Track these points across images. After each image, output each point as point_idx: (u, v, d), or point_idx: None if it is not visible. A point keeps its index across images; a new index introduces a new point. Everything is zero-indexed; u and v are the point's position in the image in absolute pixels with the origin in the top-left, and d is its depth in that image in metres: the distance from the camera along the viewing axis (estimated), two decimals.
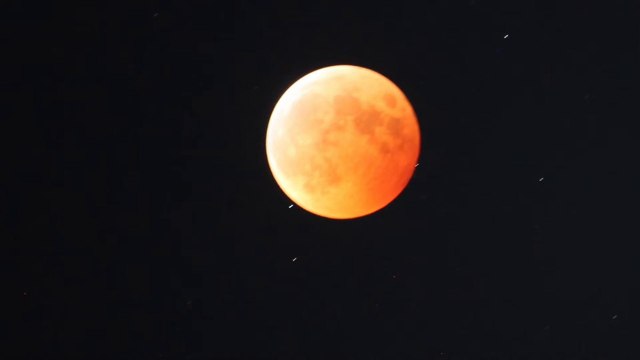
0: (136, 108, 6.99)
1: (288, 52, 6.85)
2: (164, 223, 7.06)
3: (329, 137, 5.87)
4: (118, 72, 6.94)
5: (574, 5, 6.84)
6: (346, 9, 6.93)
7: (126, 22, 6.88)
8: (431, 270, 7.16)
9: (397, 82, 6.44)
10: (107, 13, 6.83)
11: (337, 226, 6.83)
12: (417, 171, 6.39)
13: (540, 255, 7.10)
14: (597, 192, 7.02)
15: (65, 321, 7.05)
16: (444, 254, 7.15)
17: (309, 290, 7.18)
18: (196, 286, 7.11)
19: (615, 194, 7.05)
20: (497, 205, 7.09)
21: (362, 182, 5.96)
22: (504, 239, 7.10)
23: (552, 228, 7.07)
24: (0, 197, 6.87)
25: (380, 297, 7.18)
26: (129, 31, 6.88)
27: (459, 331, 7.15)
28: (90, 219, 7.03)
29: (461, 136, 7.03)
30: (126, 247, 7.06)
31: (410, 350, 7.17)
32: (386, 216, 6.72)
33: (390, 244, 7.13)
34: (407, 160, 6.18)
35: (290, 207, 6.84)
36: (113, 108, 6.98)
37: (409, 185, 6.43)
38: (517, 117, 7.01)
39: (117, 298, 7.08)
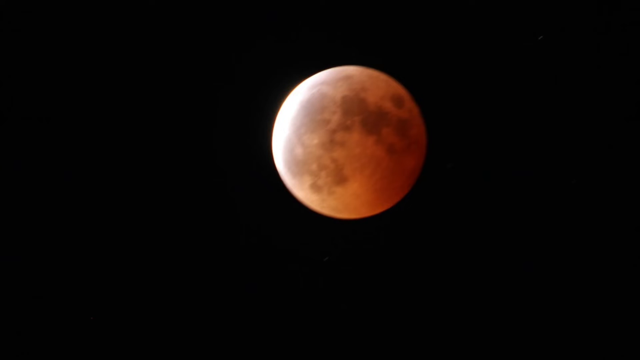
0: (139, 108, 7.01)
1: (296, 52, 6.86)
2: (167, 224, 7.08)
3: (336, 137, 5.88)
4: (121, 70, 6.96)
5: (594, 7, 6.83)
6: (355, 9, 6.93)
7: (129, 19, 6.90)
8: (436, 271, 7.16)
9: (404, 83, 6.45)
10: (106, 11, 6.86)
11: (342, 226, 6.84)
12: (424, 172, 6.40)
13: (555, 261, 7.10)
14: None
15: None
16: (450, 255, 7.15)
17: (312, 290, 7.20)
18: (198, 287, 7.13)
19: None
20: (505, 208, 7.08)
21: (368, 183, 5.97)
22: (512, 243, 7.09)
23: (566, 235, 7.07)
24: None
25: (385, 297, 7.19)
26: (133, 29, 6.90)
27: (466, 333, 7.16)
28: (92, 219, 7.06)
29: (469, 137, 7.03)
30: (128, 249, 7.09)
31: (418, 352, 7.18)
32: (392, 217, 6.73)
33: (396, 244, 7.14)
34: (413, 161, 6.19)
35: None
36: (115, 108, 7.00)
37: (415, 186, 6.44)
38: (527, 118, 7.00)
39: (121, 301, 7.11)
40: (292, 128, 6.14)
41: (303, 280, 7.18)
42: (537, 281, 7.10)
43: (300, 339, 7.19)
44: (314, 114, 6.02)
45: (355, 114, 5.91)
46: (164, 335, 7.16)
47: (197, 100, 6.98)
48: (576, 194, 7.01)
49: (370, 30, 6.93)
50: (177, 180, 7.05)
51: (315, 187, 6.14)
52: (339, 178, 5.97)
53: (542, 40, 6.87)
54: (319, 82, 6.27)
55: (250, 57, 6.93)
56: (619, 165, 6.96)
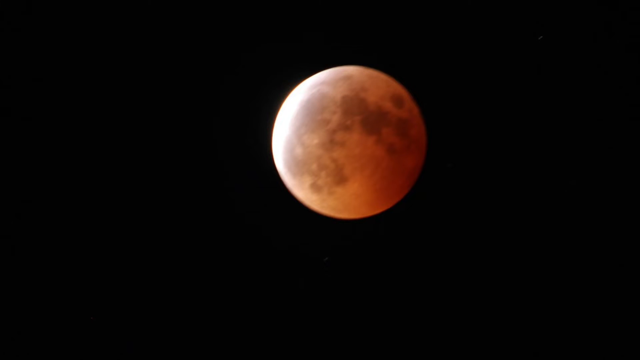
0: (138, 108, 7.00)
1: (296, 52, 6.86)
2: (167, 224, 7.07)
3: (336, 137, 5.88)
4: (122, 70, 6.96)
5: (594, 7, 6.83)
6: (355, 9, 6.92)
7: (128, 17, 6.90)
8: (436, 271, 7.15)
9: (404, 83, 6.45)
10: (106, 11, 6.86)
11: (343, 226, 6.83)
12: (424, 172, 6.39)
13: (555, 262, 7.09)
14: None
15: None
16: (450, 255, 7.14)
17: (314, 290, 7.19)
18: (197, 287, 7.13)
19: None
20: (505, 208, 7.07)
21: (368, 183, 5.96)
22: (512, 243, 7.08)
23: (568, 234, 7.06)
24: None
25: (386, 298, 7.18)
26: (131, 28, 6.89)
27: (469, 334, 7.16)
28: (94, 218, 7.05)
29: (469, 137, 7.02)
30: (127, 249, 7.08)
31: (419, 352, 7.17)
32: (392, 217, 6.72)
33: (396, 244, 7.13)
34: (413, 161, 6.18)
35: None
36: (116, 108, 7.00)
37: (415, 186, 6.43)
38: (527, 118, 6.99)
39: (121, 301, 7.11)
40: (292, 128, 6.13)
41: (303, 280, 7.17)
42: (536, 281, 7.09)
43: (300, 339, 7.18)
44: (314, 114, 6.01)
45: (355, 113, 5.90)
46: (164, 336, 7.15)
47: (197, 101, 6.98)
48: (575, 195, 7.01)
49: (370, 30, 6.93)
50: (177, 180, 7.05)
51: (315, 187, 6.13)
52: (339, 178, 5.96)
53: (542, 41, 6.87)
54: (319, 82, 6.27)
55: (249, 58, 6.92)
56: (619, 167, 6.96)
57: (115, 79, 6.97)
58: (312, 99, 6.11)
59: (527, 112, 6.98)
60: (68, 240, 7.05)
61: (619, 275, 7.02)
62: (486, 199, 7.05)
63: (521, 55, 6.90)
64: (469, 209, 7.06)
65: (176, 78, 6.96)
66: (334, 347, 7.18)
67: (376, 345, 7.19)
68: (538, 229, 7.06)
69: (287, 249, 7.09)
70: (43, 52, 6.89)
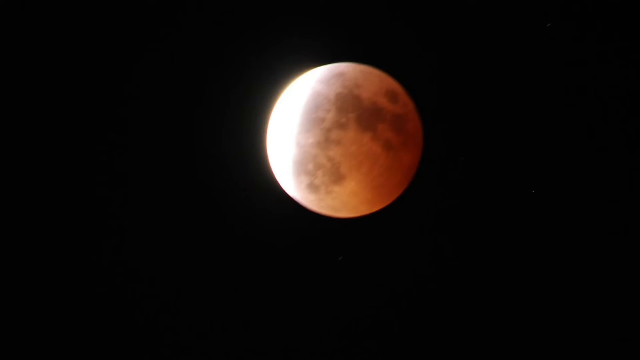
0: (137, 109, 6.99)
1: (288, 50, 6.83)
2: (164, 226, 7.06)
3: (331, 136, 5.86)
4: (118, 71, 6.94)
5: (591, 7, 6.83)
6: (347, 4, 6.91)
7: (124, 19, 6.89)
8: (436, 270, 7.14)
9: (397, 78, 6.42)
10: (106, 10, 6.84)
11: (341, 225, 6.81)
12: (422, 167, 6.37)
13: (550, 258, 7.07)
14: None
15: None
16: (449, 253, 7.12)
17: (314, 290, 7.18)
18: (195, 289, 7.12)
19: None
20: (505, 204, 7.05)
21: (366, 180, 5.94)
22: (512, 240, 7.07)
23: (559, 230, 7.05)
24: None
25: (388, 296, 7.17)
26: (128, 29, 6.88)
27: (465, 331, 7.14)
28: (93, 220, 7.04)
29: (465, 131, 7.00)
30: (126, 248, 7.07)
31: (418, 352, 7.16)
32: (391, 214, 6.69)
33: (396, 241, 7.11)
34: (410, 156, 6.16)
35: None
36: (114, 109, 6.98)
37: (413, 182, 6.40)
38: (523, 112, 6.98)
39: (121, 301, 7.09)
40: (287, 128, 6.12)
41: (303, 281, 7.15)
42: (536, 280, 7.08)
43: (300, 340, 7.17)
44: (308, 112, 6.00)
45: (350, 111, 5.89)
46: (164, 337, 7.15)
47: (190, 102, 6.97)
48: (575, 195, 6.99)
49: (362, 26, 6.90)
50: (172, 183, 7.03)
51: (313, 187, 6.11)
52: (336, 177, 5.94)
53: (537, 36, 6.86)
54: (312, 80, 6.25)
55: (242, 57, 6.90)
56: (619, 167, 6.94)
57: (111, 78, 6.95)
58: (305, 98, 6.10)
59: (523, 105, 6.96)
60: (67, 242, 7.04)
61: (620, 275, 7.02)
62: (485, 193, 7.03)
63: (516, 49, 6.89)
64: (468, 203, 7.04)
65: (170, 78, 6.94)
66: (334, 347, 7.17)
67: (376, 344, 7.18)
68: (536, 223, 7.05)
69: (287, 250, 7.07)
70: (29, 51, 6.88)
